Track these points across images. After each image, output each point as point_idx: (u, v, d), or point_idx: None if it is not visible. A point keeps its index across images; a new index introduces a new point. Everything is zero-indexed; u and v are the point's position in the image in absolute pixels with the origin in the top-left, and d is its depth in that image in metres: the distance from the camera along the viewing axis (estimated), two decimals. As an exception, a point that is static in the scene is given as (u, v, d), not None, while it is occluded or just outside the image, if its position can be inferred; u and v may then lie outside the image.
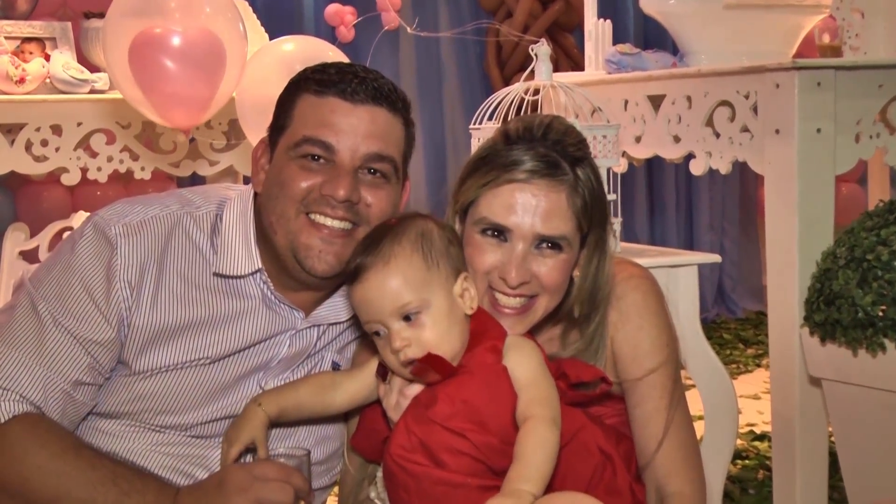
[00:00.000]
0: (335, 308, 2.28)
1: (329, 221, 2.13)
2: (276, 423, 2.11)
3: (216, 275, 2.17)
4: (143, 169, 4.63)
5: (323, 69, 2.18)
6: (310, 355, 2.28)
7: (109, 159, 4.53)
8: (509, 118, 3.06)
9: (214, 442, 2.19)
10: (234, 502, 1.91)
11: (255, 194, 2.24)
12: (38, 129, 4.34)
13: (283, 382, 2.23)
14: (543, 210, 2.06)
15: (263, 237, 2.19)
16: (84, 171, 4.49)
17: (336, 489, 2.37)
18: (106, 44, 3.90)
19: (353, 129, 2.12)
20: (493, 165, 2.09)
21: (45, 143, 4.36)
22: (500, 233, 2.07)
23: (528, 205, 2.05)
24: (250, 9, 4.91)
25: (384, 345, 2.00)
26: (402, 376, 2.02)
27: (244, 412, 2.08)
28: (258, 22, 4.84)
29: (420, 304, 1.97)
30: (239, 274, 2.18)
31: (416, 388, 2.01)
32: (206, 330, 2.15)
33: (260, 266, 2.19)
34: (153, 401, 2.14)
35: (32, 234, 4.52)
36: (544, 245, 2.08)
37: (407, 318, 1.98)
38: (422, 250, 1.99)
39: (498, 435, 1.92)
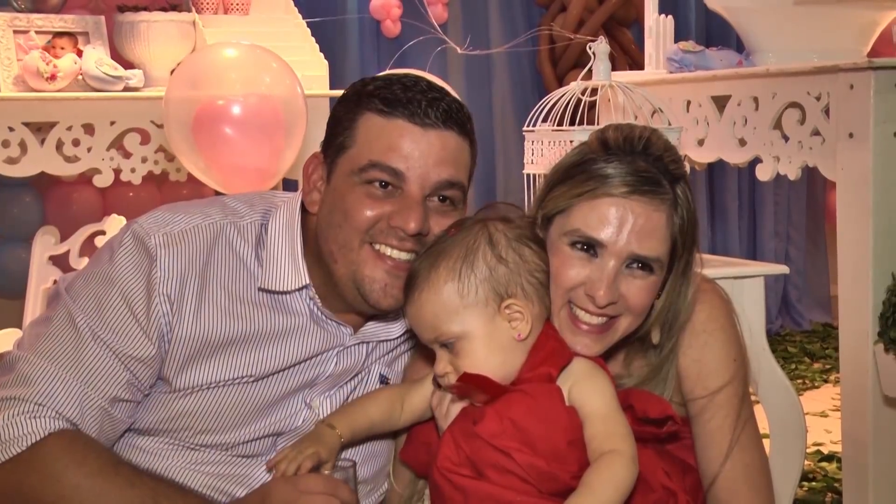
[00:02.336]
0: (385, 326, 2.27)
1: (395, 253, 2.11)
2: (347, 444, 2.10)
3: (261, 290, 2.16)
4: (178, 170, 4.65)
5: (387, 85, 2.14)
6: (357, 372, 2.27)
7: (144, 160, 4.55)
8: (565, 120, 3.06)
9: (257, 461, 2.19)
10: None
11: (303, 206, 2.22)
12: (69, 129, 4.36)
13: (328, 398, 2.23)
14: (641, 228, 2.03)
15: (312, 253, 2.18)
16: (117, 172, 4.51)
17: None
18: (168, 116, 4.00)
19: (424, 155, 2.09)
20: (589, 175, 2.06)
21: (76, 142, 4.38)
22: (591, 247, 2.04)
23: (625, 221, 2.02)
24: (299, 16, 4.95)
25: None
26: (454, 395, 2.02)
27: (317, 433, 2.06)
28: (308, 30, 4.87)
29: (455, 336, 1.98)
30: (285, 289, 2.16)
31: (467, 401, 2.02)
32: (251, 346, 2.14)
33: (307, 282, 2.17)
34: (194, 419, 2.13)
35: (63, 238, 4.55)
36: (635, 265, 2.05)
37: (447, 346, 1.99)
38: (458, 278, 1.97)
39: (546, 457, 1.91)
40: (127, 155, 4.51)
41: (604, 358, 2.09)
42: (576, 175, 2.08)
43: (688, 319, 2.15)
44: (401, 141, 2.08)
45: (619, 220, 2.02)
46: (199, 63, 4.05)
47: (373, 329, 2.25)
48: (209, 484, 2.15)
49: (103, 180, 4.49)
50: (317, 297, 2.18)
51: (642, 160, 2.06)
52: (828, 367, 6.37)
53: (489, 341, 1.98)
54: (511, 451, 1.91)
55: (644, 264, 2.05)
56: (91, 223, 4.48)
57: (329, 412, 2.21)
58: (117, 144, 4.49)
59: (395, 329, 2.27)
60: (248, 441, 2.17)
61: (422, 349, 2.24)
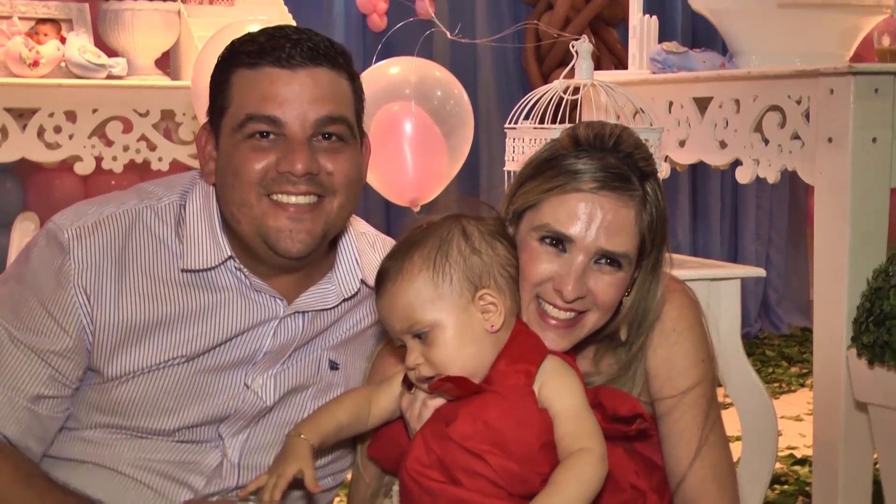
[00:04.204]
0: (321, 295, 2.24)
1: (293, 199, 2.08)
2: (318, 450, 2.07)
3: (184, 271, 2.14)
4: (160, 160, 4.65)
5: (251, 38, 2.12)
6: (299, 348, 2.25)
7: (126, 148, 4.55)
8: (546, 118, 3.07)
9: (205, 447, 2.18)
10: None
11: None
12: (51, 115, 4.36)
13: (271, 378, 2.22)
14: (609, 224, 2.03)
15: (229, 225, 2.16)
16: (98, 159, 4.51)
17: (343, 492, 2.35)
18: (199, 104, 4.07)
19: (297, 96, 2.07)
20: (559, 171, 2.06)
21: (58, 129, 4.38)
22: (559, 242, 2.05)
23: (594, 217, 2.03)
24: (285, 7, 4.96)
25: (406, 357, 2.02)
26: (424, 390, 2.02)
27: (287, 445, 2.03)
28: (289, 14, 4.89)
29: (428, 325, 1.97)
30: (207, 266, 2.15)
31: (440, 400, 2.01)
32: (179, 327, 2.13)
33: (230, 254, 2.15)
34: (132, 406, 2.12)
35: (42, 225, 4.54)
36: (604, 261, 2.05)
37: (419, 336, 1.98)
38: (432, 267, 1.97)
39: (519, 460, 1.90)
40: (109, 143, 4.51)
41: (573, 355, 2.09)
42: (546, 171, 2.08)
43: (657, 318, 2.16)
44: (271, 88, 2.06)
45: (587, 216, 2.03)
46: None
47: (308, 299, 2.23)
48: (162, 471, 2.14)
49: (84, 168, 4.50)
50: (243, 267, 2.17)
51: (612, 157, 2.06)
52: (805, 371, 6.38)
53: (462, 332, 1.97)
54: (484, 454, 1.90)
55: (612, 260, 2.05)
56: (72, 211, 4.47)
57: (272, 394, 2.21)
58: (99, 132, 4.49)
59: (332, 298, 2.25)
60: (190, 426, 2.16)
61: (385, 350, 2.24)
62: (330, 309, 2.26)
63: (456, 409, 1.96)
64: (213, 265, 2.15)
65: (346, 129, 2.13)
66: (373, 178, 4.64)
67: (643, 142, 2.14)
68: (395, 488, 2.12)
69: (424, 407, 2.02)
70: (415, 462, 1.96)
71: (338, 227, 2.19)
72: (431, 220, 2.07)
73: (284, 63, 2.06)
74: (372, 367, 2.29)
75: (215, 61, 2.18)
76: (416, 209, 4.64)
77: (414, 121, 4.47)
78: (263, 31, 2.13)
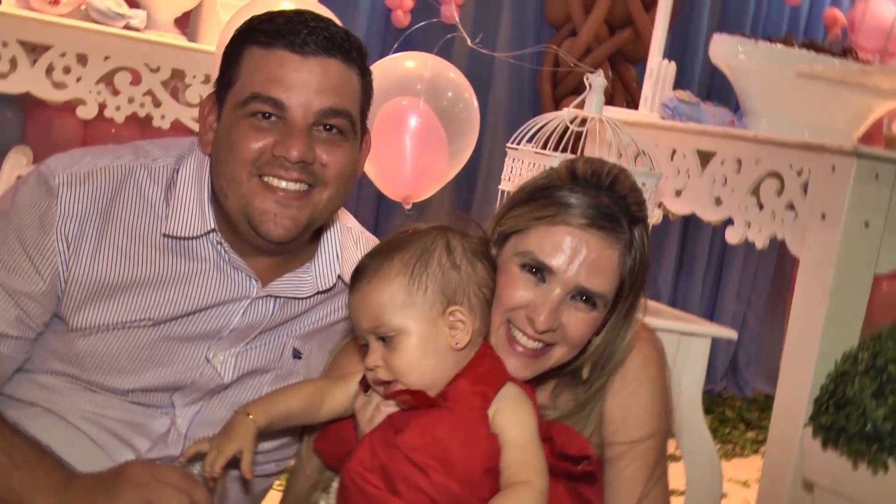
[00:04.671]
0: (296, 283, 2.25)
1: (283, 184, 2.09)
2: (264, 433, 2.07)
3: (166, 236, 2.15)
4: (163, 117, 4.64)
5: (270, 18, 2.13)
6: (265, 331, 2.25)
7: (130, 100, 4.55)
8: (549, 144, 3.07)
9: (156, 412, 2.18)
10: (124, 496, 1.88)
11: None
12: (63, 55, 4.36)
13: (232, 357, 2.22)
14: (592, 262, 2.04)
15: (217, 198, 2.17)
16: (102, 106, 4.50)
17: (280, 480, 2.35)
18: None
19: (305, 83, 2.08)
20: (552, 201, 2.07)
21: (67, 70, 4.38)
22: (539, 272, 2.05)
23: (578, 252, 2.03)
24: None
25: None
26: (379, 393, 2.02)
27: (232, 422, 2.03)
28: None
29: (395, 329, 1.97)
30: (189, 235, 2.15)
31: (393, 407, 2.01)
32: (152, 289, 2.13)
33: (213, 226, 2.16)
34: (90, 359, 2.12)
35: (35, 161, 4.54)
36: (580, 297, 2.06)
37: (384, 339, 1.99)
38: (410, 273, 1.98)
39: (461, 481, 1.90)
40: (115, 92, 4.51)
41: (533, 386, 2.10)
42: (539, 198, 2.09)
43: (621, 362, 2.16)
44: (280, 70, 2.07)
45: (572, 251, 2.03)
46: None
47: (282, 285, 2.24)
48: (108, 427, 2.14)
49: (87, 112, 4.49)
50: (224, 242, 2.17)
51: (606, 196, 2.07)
52: (761, 438, 6.37)
53: (426, 343, 1.98)
54: (427, 469, 1.90)
55: (588, 298, 2.06)
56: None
57: (231, 372, 2.21)
58: (107, 80, 4.48)
59: (306, 288, 2.26)
60: (144, 389, 2.16)
61: (348, 347, 2.24)
62: (302, 299, 2.26)
63: (408, 419, 1.96)
64: (194, 234, 2.15)
65: (347, 124, 2.13)
66: (370, 169, 4.66)
67: (639, 186, 2.15)
68: (334, 485, 2.11)
69: (377, 411, 2.02)
70: (358, 464, 1.96)
71: (323, 218, 2.19)
72: (418, 228, 2.07)
73: (298, 48, 2.07)
74: (332, 360, 2.28)
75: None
76: (408, 206, 4.66)
77: (420, 118, 4.48)
78: (283, 13, 2.13)
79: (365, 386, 2.06)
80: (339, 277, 2.27)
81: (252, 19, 2.15)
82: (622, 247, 2.07)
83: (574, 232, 2.04)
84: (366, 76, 2.21)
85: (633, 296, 2.13)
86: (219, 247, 2.18)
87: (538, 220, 2.07)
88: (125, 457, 2.14)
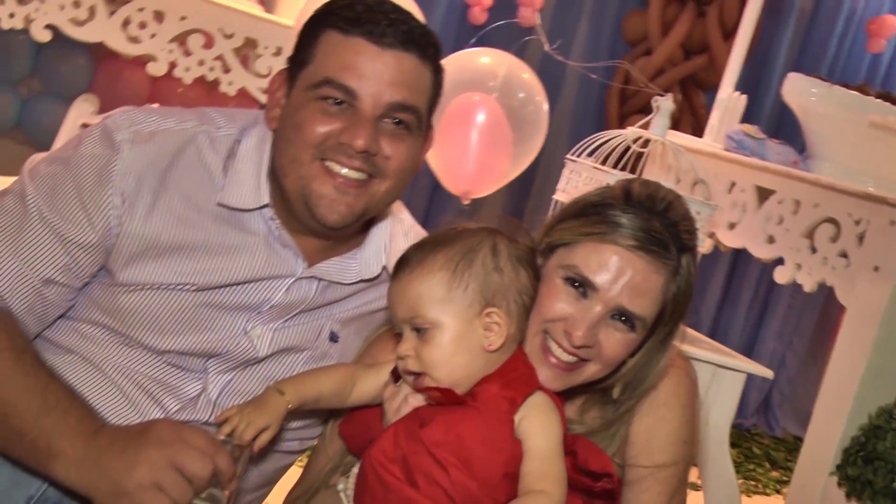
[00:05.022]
0: (342, 268, 2.26)
1: (344, 171, 2.10)
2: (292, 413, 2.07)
3: (220, 205, 2.16)
4: (230, 84, 4.68)
5: (351, 5, 2.11)
6: (304, 312, 2.26)
7: (200, 63, 4.58)
8: (609, 161, 3.07)
9: (190, 376, 2.19)
10: (148, 453, 1.87)
11: None
12: (140, 10, 4.40)
13: (270, 331, 2.23)
14: (636, 285, 2.04)
15: (275, 174, 2.18)
16: (172, 65, 4.54)
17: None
18: None
19: (379, 74, 2.08)
20: (603, 218, 2.07)
21: (143, 25, 4.42)
22: (583, 287, 2.05)
23: (623, 273, 2.03)
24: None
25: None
26: (408, 383, 2.03)
27: (264, 397, 2.04)
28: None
29: (430, 322, 1.97)
30: (242, 207, 2.17)
31: (421, 401, 2.01)
32: (199, 255, 2.14)
33: (266, 202, 2.17)
34: (133, 317, 2.14)
35: (101, 111, 4.57)
36: (620, 318, 2.05)
37: (418, 330, 1.99)
38: (453, 270, 1.98)
39: (479, 481, 1.91)
40: (187, 53, 4.54)
41: (562, 399, 2.09)
42: (590, 214, 2.09)
43: (652, 387, 2.16)
44: (356, 59, 2.08)
45: (617, 270, 2.03)
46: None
47: (328, 268, 2.25)
48: (141, 384, 2.16)
49: (157, 69, 4.53)
50: (276, 218, 2.18)
51: (658, 221, 2.06)
52: (785, 478, 6.34)
53: (460, 340, 1.98)
54: (448, 465, 1.90)
55: (628, 319, 2.05)
56: (131, 106, 4.50)
57: (267, 346, 2.22)
58: (181, 40, 4.52)
59: (351, 274, 2.27)
60: (182, 352, 2.17)
61: (383, 336, 2.25)
62: (345, 284, 2.27)
63: (434, 414, 1.96)
64: (247, 207, 2.16)
65: (414, 119, 2.14)
66: (433, 161, 4.66)
67: (692, 215, 2.14)
68: (354, 470, 2.12)
69: (405, 403, 2.02)
70: (379, 452, 1.96)
71: (378, 209, 2.20)
72: (467, 227, 2.08)
73: (376, 38, 2.07)
74: (366, 347, 2.30)
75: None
76: (466, 202, 4.67)
77: (489, 115, 4.48)
78: (364, 2, 2.13)
79: (396, 376, 2.07)
80: (384, 268, 2.28)
81: (333, 2, 2.16)
82: (668, 273, 2.07)
83: (622, 252, 2.04)
84: (438, 74, 2.21)
85: (673, 322, 2.12)
86: (270, 222, 2.19)
87: (587, 235, 2.07)
88: (154, 414, 2.15)
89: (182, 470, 1.85)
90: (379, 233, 2.29)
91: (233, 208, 2.16)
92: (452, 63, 4.76)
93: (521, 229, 2.14)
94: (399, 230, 2.34)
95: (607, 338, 2.06)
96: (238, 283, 2.18)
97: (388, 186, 2.15)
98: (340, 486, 2.14)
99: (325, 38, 2.10)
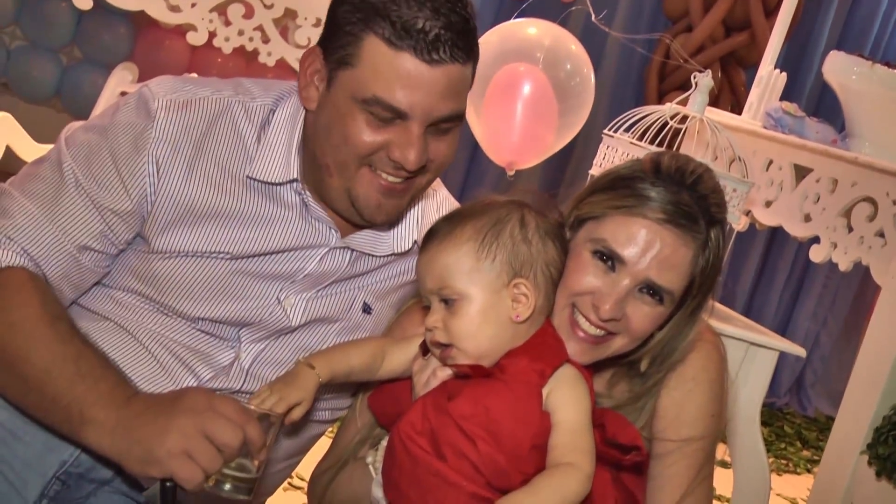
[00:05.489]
0: (373, 241, 2.28)
1: (392, 178, 2.11)
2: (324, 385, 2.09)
3: (249, 178, 2.18)
4: (269, 54, 4.69)
5: (398, 7, 2.03)
6: (337, 282, 2.28)
7: (240, 33, 4.60)
8: (646, 137, 3.07)
9: (222, 344, 2.22)
10: (179, 420, 1.88)
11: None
12: (181, -22, 4.43)
13: (303, 301, 2.25)
14: (665, 258, 2.04)
15: (309, 149, 2.18)
16: (212, 35, 4.56)
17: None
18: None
19: (429, 91, 2.04)
20: (632, 192, 2.07)
21: (185, -7, 4.45)
22: (611, 260, 2.06)
23: (652, 246, 2.04)
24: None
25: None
26: (435, 356, 2.04)
27: (295, 372, 2.05)
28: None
29: (458, 293, 1.98)
30: (271, 180, 2.18)
31: (449, 373, 2.02)
32: (234, 224, 2.16)
33: (295, 177, 2.18)
34: (167, 284, 2.16)
35: (140, 79, 4.60)
36: (648, 291, 2.06)
37: (446, 302, 2.00)
38: (481, 241, 1.99)
39: (507, 454, 1.92)
40: (227, 23, 4.56)
41: (590, 372, 2.10)
42: (619, 188, 2.09)
43: (680, 360, 2.17)
44: (407, 79, 2.03)
45: (646, 244, 2.04)
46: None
47: (360, 239, 2.26)
48: (174, 351, 2.18)
49: (196, 38, 4.55)
50: (306, 192, 2.19)
51: (687, 194, 2.06)
52: (816, 458, 6.33)
53: (487, 311, 1.99)
54: (476, 438, 1.92)
55: (656, 292, 2.06)
56: (171, 75, 4.53)
57: (300, 316, 2.24)
58: (221, 10, 4.54)
59: (384, 247, 2.29)
60: (214, 320, 2.19)
61: (413, 308, 2.26)
62: (377, 256, 2.29)
63: (462, 387, 1.97)
64: (276, 181, 2.18)
65: (458, 119, 2.14)
66: (477, 131, 4.65)
67: (721, 187, 2.14)
68: (383, 443, 2.13)
69: (433, 377, 2.04)
70: (408, 425, 1.98)
71: (419, 194, 2.24)
72: (496, 199, 2.09)
73: (426, 56, 2.03)
74: (396, 319, 2.32)
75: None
76: (511, 173, 4.67)
77: (535, 86, 4.48)
78: (408, 2, 2.05)
79: (424, 349, 2.08)
80: (415, 242, 2.29)
81: None
82: (697, 246, 2.07)
83: (650, 226, 2.04)
84: (476, 60, 2.17)
85: (702, 296, 2.13)
86: (301, 195, 2.20)
87: (616, 208, 2.07)
88: (186, 382, 2.18)
89: (212, 438, 1.86)
90: (412, 209, 2.31)
91: (261, 181, 2.18)
92: (497, 34, 4.76)
93: (550, 204, 2.15)
94: (431, 204, 2.36)
95: (635, 311, 2.07)
96: (272, 253, 2.20)
97: (430, 178, 2.19)
98: (369, 459, 2.16)
99: (371, 46, 2.04)
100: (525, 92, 4.51)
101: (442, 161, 2.15)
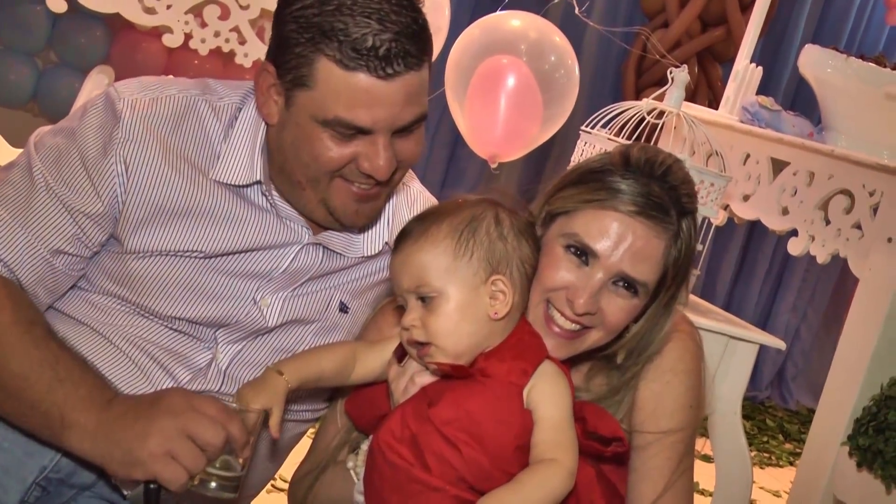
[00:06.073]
0: (347, 242, 2.27)
1: (364, 186, 2.11)
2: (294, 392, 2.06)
3: (213, 181, 2.16)
4: (245, 55, 4.67)
5: (344, 26, 1.98)
6: (313, 279, 2.27)
7: (216, 34, 4.58)
8: (623, 133, 3.07)
9: (201, 346, 2.21)
10: (160, 422, 1.88)
11: None
12: (156, -20, 4.41)
13: (280, 300, 2.24)
14: (637, 250, 2.04)
15: (273, 157, 2.17)
16: (188, 37, 4.54)
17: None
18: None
19: (390, 104, 2.02)
20: (602, 185, 2.07)
21: (159, -4, 4.43)
22: (583, 255, 2.05)
23: (624, 239, 2.04)
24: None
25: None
26: (412, 356, 2.03)
27: (264, 378, 2.02)
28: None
29: (435, 291, 1.98)
30: (235, 182, 2.17)
31: (427, 378, 2.02)
32: (205, 222, 2.15)
33: (258, 179, 2.17)
34: (141, 283, 2.15)
35: (117, 81, 4.58)
36: (621, 284, 2.06)
37: (423, 300, 1.99)
38: (458, 238, 1.98)
39: (491, 456, 1.92)
40: (203, 24, 4.54)
41: (568, 366, 2.10)
42: (590, 181, 2.09)
43: (657, 352, 2.16)
44: (366, 98, 2.01)
45: (618, 237, 2.04)
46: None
47: (333, 238, 2.26)
48: (151, 353, 2.17)
49: (173, 40, 4.53)
50: (272, 193, 2.19)
51: (657, 185, 2.07)
52: (798, 451, 6.35)
53: (465, 309, 1.98)
54: (459, 443, 1.91)
55: (630, 285, 2.06)
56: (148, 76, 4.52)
57: (276, 316, 2.23)
58: (197, 11, 4.52)
59: (355, 248, 2.28)
60: (189, 320, 2.18)
61: (389, 307, 2.25)
62: (348, 257, 2.29)
63: (442, 391, 1.97)
64: (241, 183, 2.17)
65: (424, 119, 2.13)
66: (462, 125, 4.64)
67: (691, 178, 2.14)
68: (363, 447, 2.13)
69: (412, 383, 2.02)
70: (388, 434, 1.97)
71: (394, 189, 2.25)
72: (468, 198, 2.08)
73: (380, 73, 2.00)
74: (371, 318, 2.31)
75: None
76: (494, 166, 4.66)
77: (518, 78, 4.47)
78: (356, 19, 2.00)
79: (399, 356, 2.07)
80: (386, 243, 2.29)
81: (321, 10, 2.02)
82: (669, 237, 2.07)
83: (622, 218, 2.04)
84: (431, 55, 2.13)
85: (675, 287, 2.13)
86: (266, 197, 2.20)
87: (587, 202, 2.07)
88: (165, 384, 2.17)
89: (194, 438, 1.87)
90: (383, 210, 2.31)
91: (223, 183, 2.17)
92: (480, 27, 4.76)
93: (519, 204, 2.14)
94: (404, 200, 2.36)
95: (609, 304, 2.07)
96: (245, 251, 2.19)
97: (403, 173, 2.19)
98: (350, 464, 2.15)
99: (324, 67, 2.01)
100: (509, 84, 4.51)
101: (413, 158, 2.15)
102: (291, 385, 2.02)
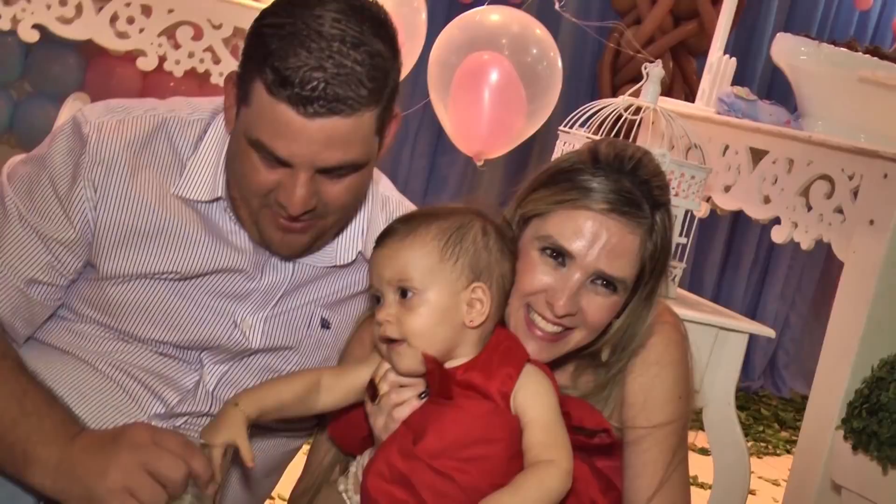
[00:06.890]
0: (316, 253, 2.24)
1: (283, 220, 2.05)
2: (255, 423, 2.01)
3: (176, 196, 2.14)
4: (221, 74, 4.65)
5: (284, 54, 1.93)
6: (289, 294, 2.24)
7: (191, 55, 4.57)
8: (601, 131, 3.08)
9: (187, 367, 2.20)
10: (120, 458, 1.84)
11: None
12: (127, 5, 4.38)
13: (261, 321, 2.22)
14: (613, 247, 2.04)
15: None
16: (162, 59, 4.53)
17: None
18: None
19: (308, 142, 1.95)
20: (573, 185, 2.06)
21: (131, 20, 4.40)
22: (559, 256, 2.05)
23: (598, 237, 2.03)
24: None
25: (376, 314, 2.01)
26: (380, 352, 2.02)
27: (222, 412, 1.98)
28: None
29: (418, 286, 1.95)
30: (198, 198, 2.14)
31: (405, 412, 1.99)
32: (178, 242, 2.13)
33: (220, 195, 2.14)
34: (121, 309, 2.13)
35: (91, 109, 4.57)
36: (600, 282, 2.05)
37: (403, 295, 1.97)
38: (445, 241, 1.97)
39: (487, 473, 1.91)
40: (176, 46, 4.53)
41: (553, 368, 2.09)
42: (561, 182, 2.08)
43: (641, 345, 2.15)
44: (283, 129, 1.94)
45: (592, 235, 2.03)
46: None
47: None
48: (139, 378, 2.16)
49: (146, 64, 4.52)
50: (231, 211, 2.15)
51: (628, 180, 2.06)
52: (794, 438, 6.34)
53: (444, 312, 1.97)
54: (452, 473, 1.90)
55: (608, 282, 2.05)
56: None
57: (259, 338, 2.21)
58: (169, 33, 4.51)
59: (326, 257, 2.25)
60: (175, 344, 2.17)
61: (366, 326, 2.21)
62: (319, 267, 2.26)
63: (424, 423, 1.94)
64: (202, 199, 2.15)
65: (354, 167, 2.05)
66: (446, 123, 4.64)
67: (662, 170, 2.14)
68: (352, 470, 2.10)
69: (391, 419, 2.00)
70: (377, 478, 1.94)
71: (334, 230, 2.19)
72: (455, 206, 2.08)
73: (301, 107, 1.93)
74: (356, 333, 2.28)
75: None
76: (480, 163, 4.66)
77: (501, 73, 4.47)
78: (299, 41, 1.93)
79: (372, 395, 2.04)
80: (360, 253, 2.27)
81: (266, 38, 1.97)
82: (643, 231, 2.06)
83: (595, 216, 2.03)
84: (384, 108, 2.04)
85: (654, 280, 2.12)
86: (227, 213, 2.17)
87: (559, 203, 2.06)
88: (154, 407, 2.16)
89: (154, 473, 1.83)
90: (355, 221, 2.27)
91: (188, 199, 2.15)
92: (461, 23, 4.77)
93: (498, 214, 2.13)
94: (379, 208, 2.32)
95: (590, 303, 2.06)
96: (219, 271, 2.17)
97: (336, 218, 2.13)
98: (341, 487, 2.11)
99: (257, 90, 1.96)
100: (492, 80, 4.50)
101: (342, 204, 2.09)
102: (250, 415, 1.97)
